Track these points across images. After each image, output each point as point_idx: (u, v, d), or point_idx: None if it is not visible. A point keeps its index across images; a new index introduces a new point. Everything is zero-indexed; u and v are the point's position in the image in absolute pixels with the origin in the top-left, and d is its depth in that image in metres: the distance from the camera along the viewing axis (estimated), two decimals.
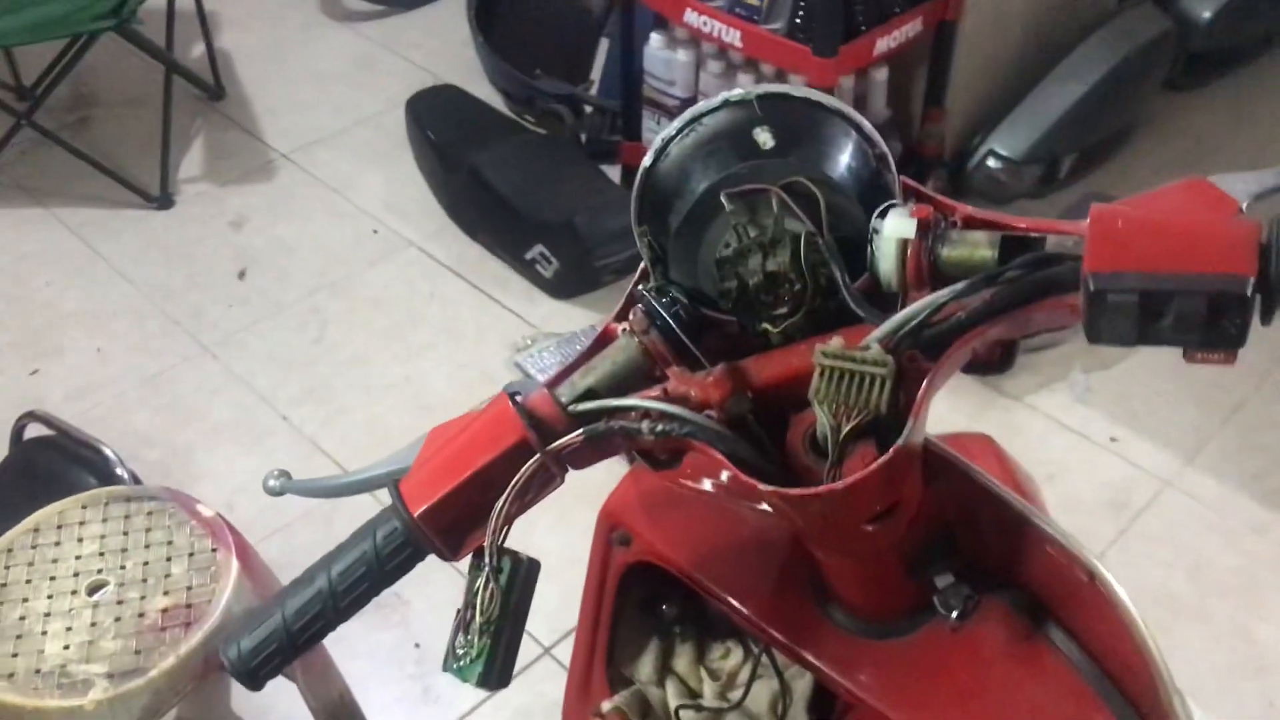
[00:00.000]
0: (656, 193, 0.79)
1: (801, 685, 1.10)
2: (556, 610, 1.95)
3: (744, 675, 1.11)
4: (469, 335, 2.50)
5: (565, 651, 1.93)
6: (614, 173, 2.78)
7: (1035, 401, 2.32)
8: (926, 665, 0.88)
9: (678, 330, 0.75)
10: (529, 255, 2.56)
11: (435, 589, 1.99)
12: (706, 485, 1.01)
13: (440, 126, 2.84)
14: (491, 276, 2.64)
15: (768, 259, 0.73)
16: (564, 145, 2.81)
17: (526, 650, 1.92)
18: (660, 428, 0.72)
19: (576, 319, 2.52)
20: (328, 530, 2.10)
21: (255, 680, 0.75)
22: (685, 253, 0.77)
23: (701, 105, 0.78)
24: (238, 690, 1.90)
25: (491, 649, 0.73)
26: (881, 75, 2.52)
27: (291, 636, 0.74)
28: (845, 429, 0.69)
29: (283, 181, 2.91)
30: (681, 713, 1.09)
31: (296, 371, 2.42)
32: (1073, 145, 2.72)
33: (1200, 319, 0.63)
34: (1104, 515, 2.14)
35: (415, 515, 0.73)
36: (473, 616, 0.73)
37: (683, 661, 1.13)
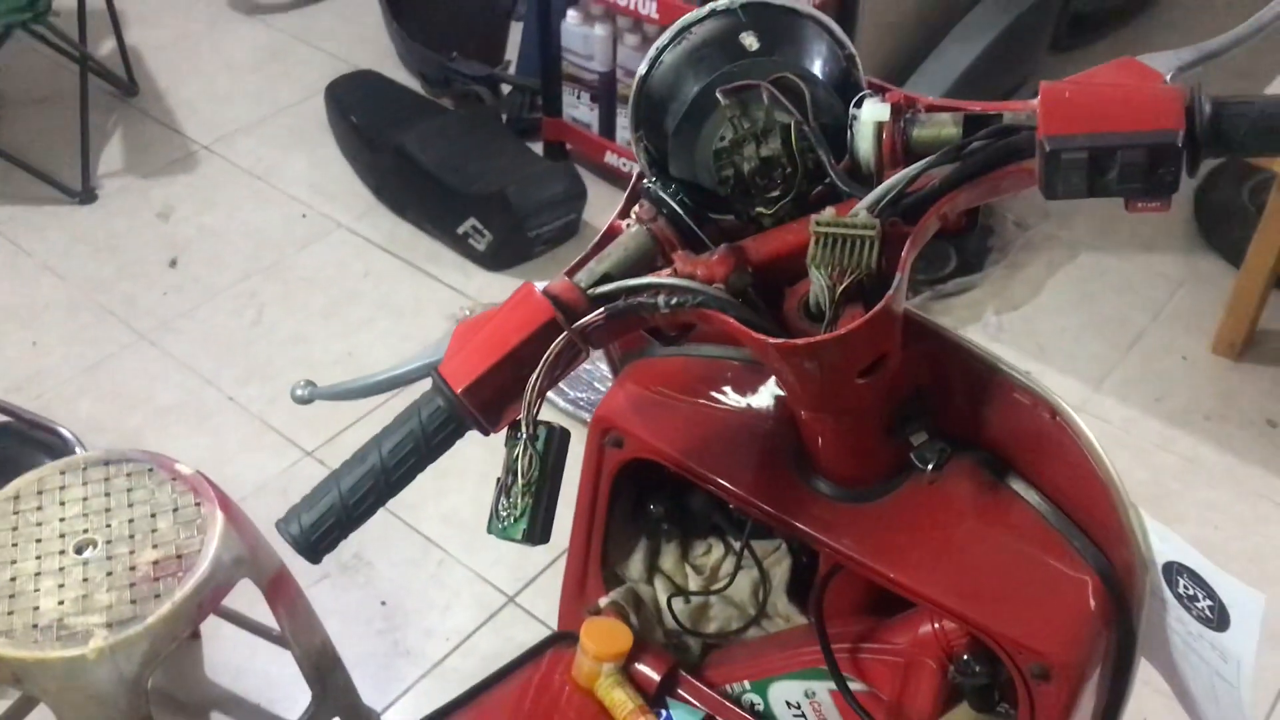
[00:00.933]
0: (652, 99, 0.87)
1: (779, 572, 1.20)
2: (517, 560, 2.05)
3: (726, 568, 1.20)
4: (407, 309, 2.55)
5: (529, 598, 2.01)
6: (537, 149, 2.85)
7: None
8: (904, 522, 0.97)
9: (682, 214, 0.83)
10: (461, 229, 2.62)
11: (397, 551, 2.07)
12: (692, 391, 1.10)
13: (362, 110, 2.88)
14: (424, 252, 2.69)
15: (761, 146, 0.82)
16: (487, 121, 2.87)
17: (492, 598, 2.01)
18: (675, 300, 0.80)
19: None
20: (284, 501, 2.13)
21: (315, 553, 0.81)
22: (683, 149, 0.86)
23: (689, 16, 0.86)
24: (211, 656, 1.94)
25: (534, 508, 0.80)
26: None
27: (348, 510, 0.81)
28: (840, 288, 0.78)
29: (206, 171, 2.92)
30: (671, 602, 1.18)
31: (238, 353, 2.44)
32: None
33: (1141, 169, 0.73)
34: None
35: (459, 392, 0.80)
36: (514, 481, 0.80)
37: (669, 559, 1.22)
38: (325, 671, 1.65)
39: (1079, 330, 2.51)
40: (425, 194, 2.70)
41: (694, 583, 1.20)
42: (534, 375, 0.80)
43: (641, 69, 0.87)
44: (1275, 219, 2.28)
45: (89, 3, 2.96)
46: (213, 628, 1.88)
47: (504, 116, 2.97)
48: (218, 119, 3.08)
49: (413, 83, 3.12)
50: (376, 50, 3.28)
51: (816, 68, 0.85)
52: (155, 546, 1.45)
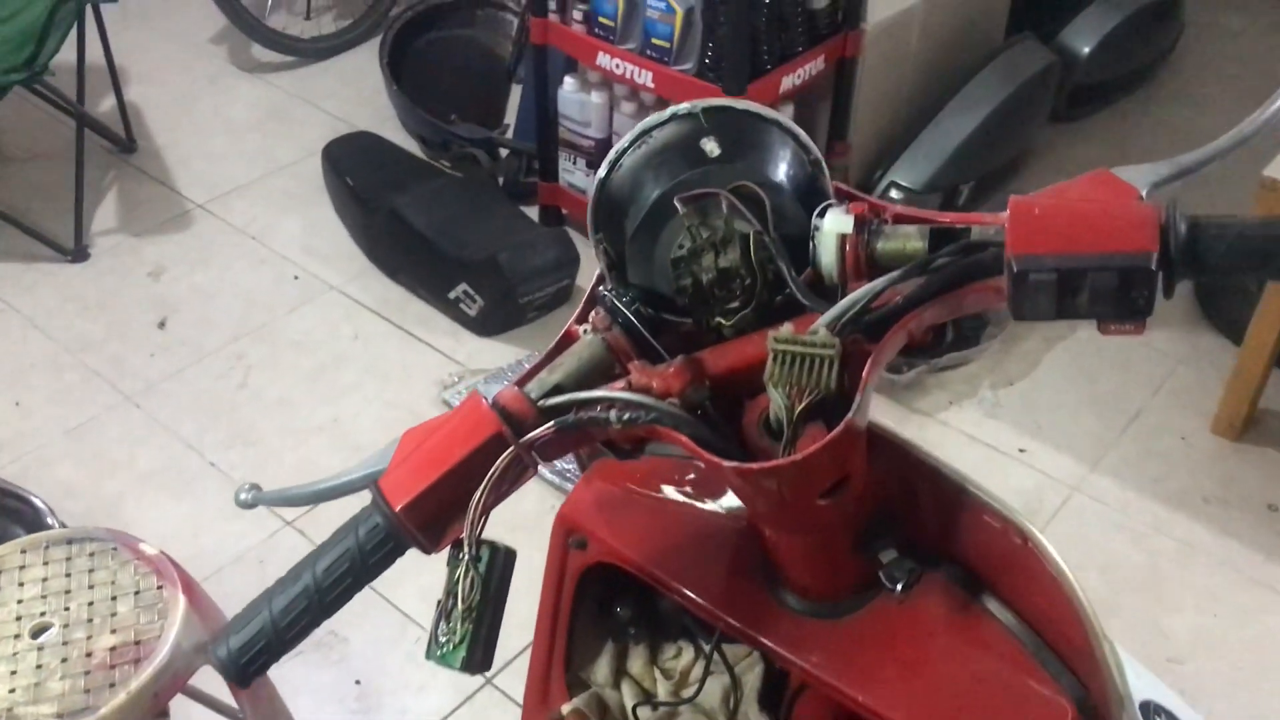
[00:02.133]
0: (611, 202, 0.84)
1: (751, 679, 1.15)
2: (498, 642, 2.00)
3: (696, 673, 1.15)
4: (395, 375, 2.52)
5: (506, 681, 1.96)
6: (533, 213, 2.84)
7: (947, 418, 2.41)
8: (873, 640, 0.93)
9: (638, 325, 0.80)
10: (453, 294, 2.60)
11: (373, 627, 2.03)
12: (659, 490, 1.06)
13: (358, 171, 2.87)
14: (415, 316, 2.67)
15: (719, 257, 0.79)
16: (482, 186, 2.86)
17: (469, 679, 1.96)
18: (627, 416, 0.77)
19: (502, 355, 2.56)
20: (260, 572, 2.11)
21: (244, 677, 0.77)
22: (641, 256, 0.83)
23: (650, 119, 0.84)
24: None
25: (474, 634, 0.76)
26: (788, 111, 2.62)
27: (279, 633, 0.77)
28: (799, 408, 0.74)
29: (200, 231, 2.91)
30: (638, 710, 1.13)
31: (222, 418, 2.41)
32: (969, 175, 2.86)
33: (1112, 292, 0.70)
34: None
35: (397, 510, 0.77)
36: (454, 605, 0.77)
37: (637, 663, 1.17)
38: None
39: (1076, 407, 2.47)
40: (418, 258, 2.68)
41: (663, 688, 1.16)
42: (478, 492, 0.77)
43: (601, 171, 0.85)
44: (1277, 296, 2.24)
45: (90, 57, 2.96)
46: (182, 706, 1.83)
47: (500, 180, 2.96)
48: (214, 177, 3.07)
49: (411, 144, 3.11)
50: (376, 111, 3.28)
51: (780, 174, 0.82)
52: (114, 632, 1.41)
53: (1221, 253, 0.71)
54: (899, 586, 0.88)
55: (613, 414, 0.77)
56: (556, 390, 0.80)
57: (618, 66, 2.50)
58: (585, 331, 0.83)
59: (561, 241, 2.65)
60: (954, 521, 0.90)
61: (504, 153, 3.01)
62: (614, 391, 0.78)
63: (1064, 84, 3.11)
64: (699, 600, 0.98)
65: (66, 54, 2.80)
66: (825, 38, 2.54)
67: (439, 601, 0.78)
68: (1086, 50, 3.14)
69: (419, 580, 2.07)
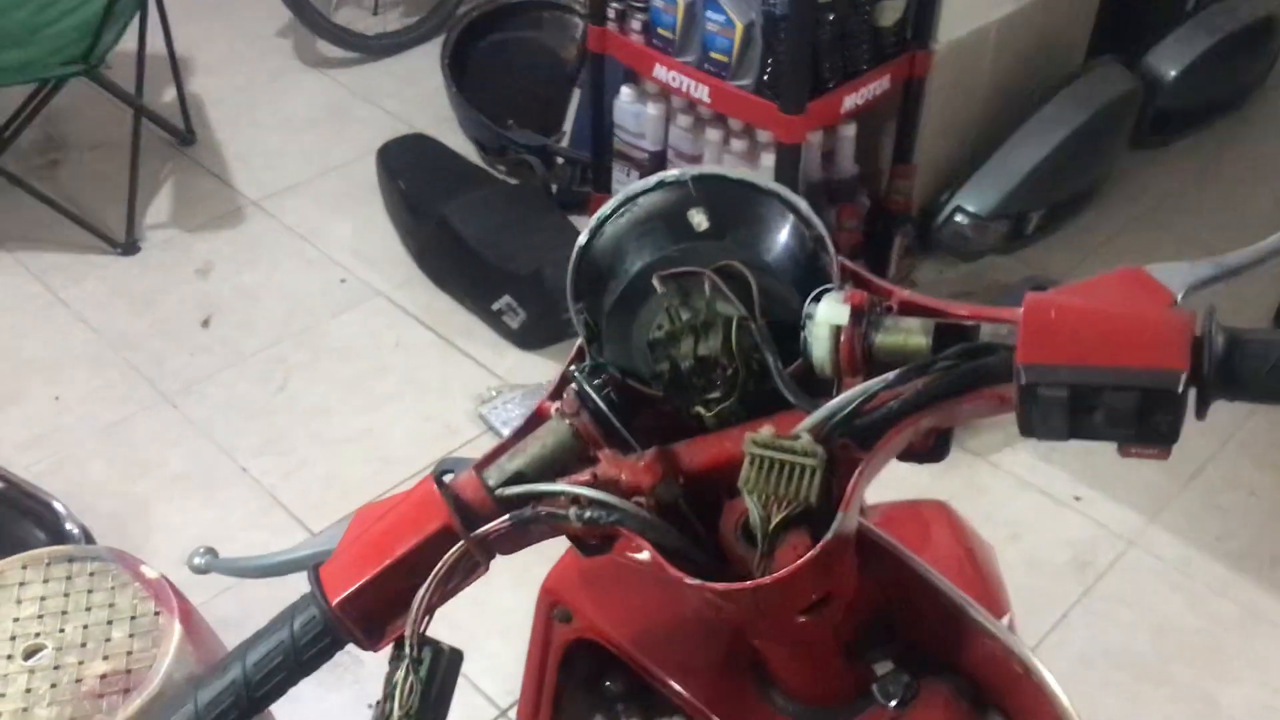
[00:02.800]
0: (592, 270, 0.77)
1: None
2: (513, 670, 1.94)
3: None
4: (433, 386, 2.48)
5: None
6: (583, 224, 2.77)
7: (999, 460, 2.31)
8: None
9: (608, 413, 0.73)
10: (496, 306, 2.55)
11: (386, 650, 1.98)
12: (647, 559, 0.99)
13: (411, 176, 2.83)
14: (458, 327, 2.62)
15: (699, 343, 0.72)
16: (533, 196, 2.81)
17: (482, 710, 1.90)
18: (588, 514, 0.70)
19: (543, 370, 2.50)
20: (282, 585, 2.07)
21: None
22: (619, 332, 0.76)
23: (636, 185, 0.77)
24: None
25: None
26: (850, 131, 2.53)
27: None
28: (775, 520, 0.67)
29: (251, 229, 2.90)
30: None
31: (257, 422, 2.39)
32: (1039, 202, 2.74)
33: (1132, 414, 0.62)
34: (1068, 574, 2.13)
35: (333, 603, 0.71)
36: (391, 710, 0.71)
37: None
38: None
39: None
40: (464, 267, 2.63)
41: None
42: (423, 588, 0.70)
43: (582, 237, 0.78)
44: None
45: (154, 48, 2.96)
46: None
47: (554, 188, 2.91)
48: (269, 174, 3.06)
49: (468, 148, 3.07)
50: (435, 112, 3.24)
51: (775, 251, 0.74)
52: (106, 658, 1.38)
53: (1265, 373, 0.62)
54: (893, 704, 0.80)
55: (573, 511, 0.70)
56: (517, 479, 0.73)
57: (674, 79, 2.42)
58: (555, 412, 0.76)
59: None
60: (955, 636, 0.81)
61: (559, 161, 2.95)
62: (576, 486, 0.71)
63: (1147, 109, 2.97)
64: (684, 694, 0.91)
65: (131, 44, 2.80)
66: (892, 56, 2.44)
67: (377, 703, 0.72)
68: (1173, 74, 2.99)
69: None
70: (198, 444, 2.33)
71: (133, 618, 1.42)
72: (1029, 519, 2.21)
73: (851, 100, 2.39)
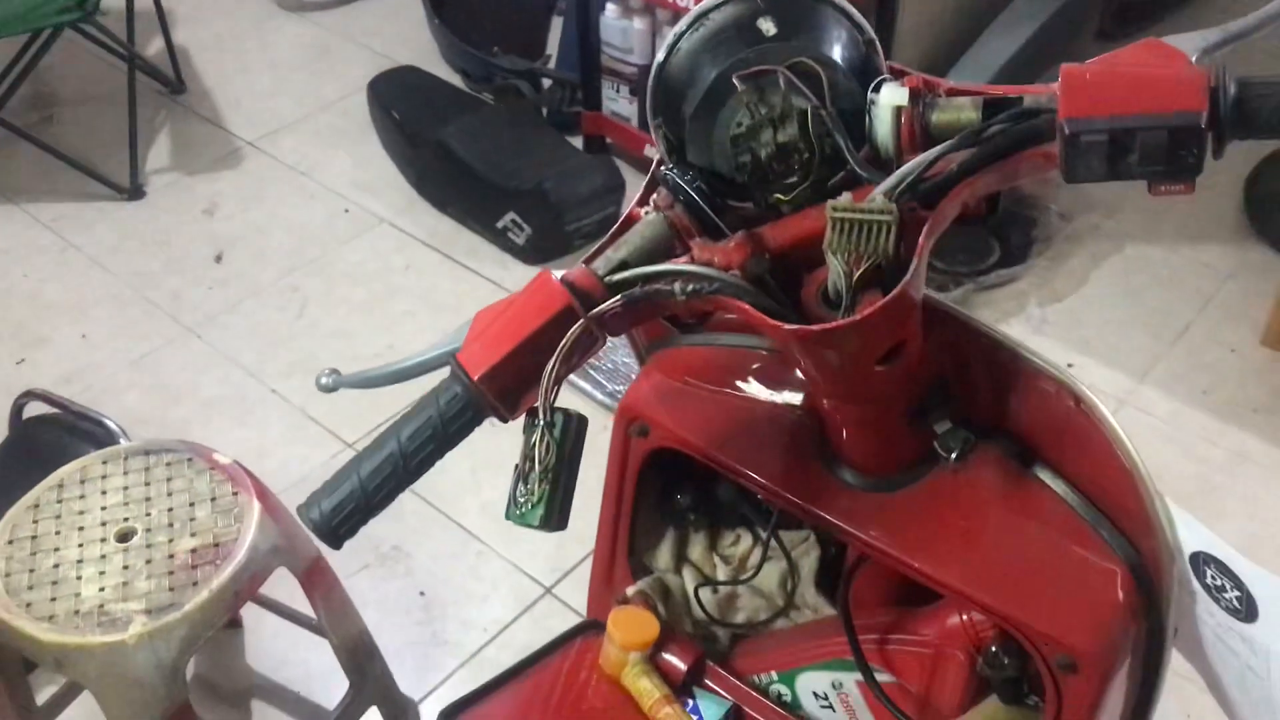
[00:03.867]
0: (670, 85, 0.87)
1: (808, 563, 1.19)
2: (554, 552, 2.05)
3: (754, 558, 1.19)
4: (447, 303, 2.57)
5: (566, 590, 2.02)
6: (576, 142, 2.86)
7: None
8: (929, 511, 0.97)
9: (699, 201, 0.83)
10: (500, 224, 2.64)
11: (436, 543, 2.09)
12: (716, 381, 1.10)
13: (404, 106, 2.90)
14: (464, 247, 2.71)
15: (778, 132, 0.82)
16: (527, 116, 2.88)
17: (529, 590, 2.02)
18: (691, 287, 0.80)
19: None
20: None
21: (336, 538, 0.82)
22: (700, 135, 0.85)
23: (706, 3, 0.86)
24: (252, 644, 1.96)
25: (550, 494, 0.80)
26: None
27: (367, 496, 0.81)
28: (857, 273, 0.77)
29: (251, 168, 2.96)
30: (699, 592, 1.18)
31: (281, 347, 2.47)
32: None
33: (1163, 151, 0.72)
34: None
35: (476, 379, 0.81)
36: (531, 467, 0.81)
37: (697, 549, 1.22)
38: (362, 661, 1.67)
39: (1124, 323, 2.47)
40: (465, 189, 2.71)
41: (722, 572, 1.20)
42: (550, 362, 0.80)
43: (659, 56, 0.87)
44: None
45: (137, 2, 3.00)
46: (255, 617, 1.91)
47: (544, 111, 2.98)
48: (263, 116, 3.12)
49: (454, 78, 3.14)
50: (419, 46, 3.30)
51: (835, 53, 0.84)
52: (193, 535, 1.47)
53: (1270, 111, 0.73)
54: (954, 455, 0.91)
55: (677, 286, 0.81)
56: (622, 266, 0.83)
57: None
58: (647, 212, 0.86)
59: (607, 168, 2.67)
60: (1007, 391, 0.92)
61: (547, 83, 3.03)
62: (678, 265, 0.82)
63: (1110, 1, 3.07)
64: (758, 479, 1.02)
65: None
66: None
67: (516, 466, 0.82)
68: None
69: (479, 496, 2.13)
70: (226, 370, 2.42)
71: (213, 499, 1.51)
72: None
73: None
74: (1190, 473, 2.18)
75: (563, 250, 2.65)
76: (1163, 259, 2.61)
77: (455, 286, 2.61)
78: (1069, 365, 2.37)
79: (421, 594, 2.02)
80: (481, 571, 2.05)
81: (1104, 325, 2.47)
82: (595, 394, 2.27)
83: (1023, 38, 2.79)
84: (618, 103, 2.81)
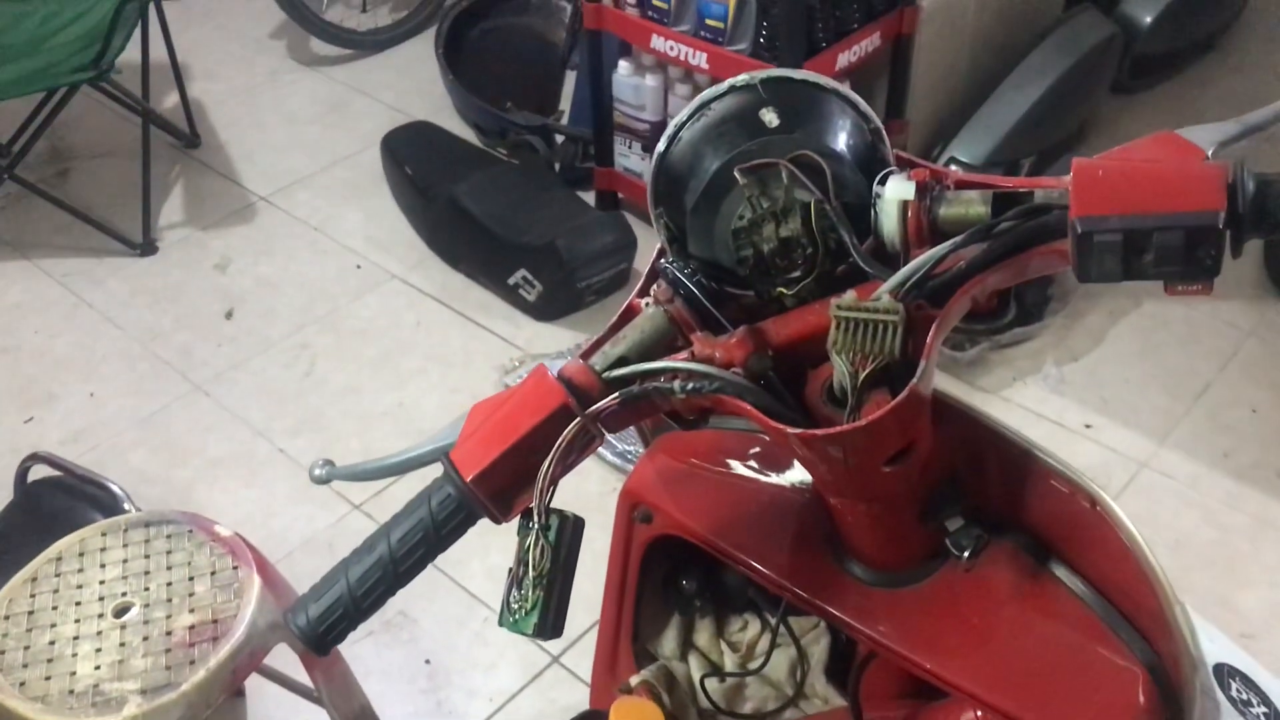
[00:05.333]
0: (671, 175, 0.85)
1: (818, 651, 1.16)
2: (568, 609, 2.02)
3: (762, 645, 1.16)
4: (457, 360, 2.55)
5: (573, 659, 1.98)
6: (589, 198, 2.85)
7: (1011, 395, 2.39)
8: (941, 609, 0.93)
9: (700, 296, 0.81)
10: (512, 280, 2.62)
11: (442, 608, 2.05)
12: (722, 464, 1.07)
13: (416, 161, 2.90)
14: (475, 303, 2.69)
15: (780, 226, 0.80)
16: (539, 172, 2.88)
17: (536, 658, 1.98)
18: (691, 385, 0.78)
19: (561, 340, 2.58)
20: (330, 555, 2.14)
21: (323, 645, 0.80)
22: (702, 228, 0.83)
23: (709, 92, 0.84)
24: (255, 713, 1.92)
25: (545, 600, 0.78)
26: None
27: (355, 602, 0.79)
28: (863, 374, 0.75)
29: (264, 223, 2.96)
30: (705, 682, 1.14)
31: (289, 405, 2.46)
32: (1029, 149, 2.82)
33: (1180, 252, 0.70)
34: None
35: (468, 480, 0.78)
36: (525, 572, 0.78)
37: (703, 636, 1.18)
38: None
39: (1143, 382, 2.43)
40: (477, 245, 2.70)
41: (729, 660, 1.17)
42: (546, 462, 0.78)
43: (661, 145, 0.86)
44: None
45: (153, 56, 3.01)
46: (257, 685, 1.87)
47: (557, 166, 2.98)
48: (276, 170, 3.12)
49: (468, 133, 3.14)
50: (432, 101, 3.31)
51: (840, 143, 0.82)
52: (192, 611, 1.44)
53: None
54: (966, 554, 0.88)
55: (677, 384, 0.78)
56: (621, 362, 0.81)
57: (672, 48, 2.50)
58: (647, 304, 0.84)
59: (618, 225, 2.66)
60: (1021, 488, 0.89)
61: (559, 139, 3.02)
62: (678, 362, 0.79)
63: (1126, 55, 3.06)
64: (765, 571, 0.99)
65: (131, 53, 2.86)
66: (881, 14, 2.52)
67: (510, 570, 0.79)
68: (1149, 20, 3.08)
69: (486, 561, 2.10)
70: (233, 429, 2.40)
71: (212, 573, 1.49)
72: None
73: (845, 58, 2.47)
74: (1212, 539, 2.13)
75: (574, 307, 2.63)
76: (1182, 316, 2.57)
77: (465, 344, 2.59)
78: (1087, 426, 2.34)
79: (427, 662, 1.99)
80: (488, 638, 2.02)
81: (1123, 385, 2.43)
82: (605, 454, 2.24)
83: (1037, 93, 2.77)
84: (630, 159, 2.80)
